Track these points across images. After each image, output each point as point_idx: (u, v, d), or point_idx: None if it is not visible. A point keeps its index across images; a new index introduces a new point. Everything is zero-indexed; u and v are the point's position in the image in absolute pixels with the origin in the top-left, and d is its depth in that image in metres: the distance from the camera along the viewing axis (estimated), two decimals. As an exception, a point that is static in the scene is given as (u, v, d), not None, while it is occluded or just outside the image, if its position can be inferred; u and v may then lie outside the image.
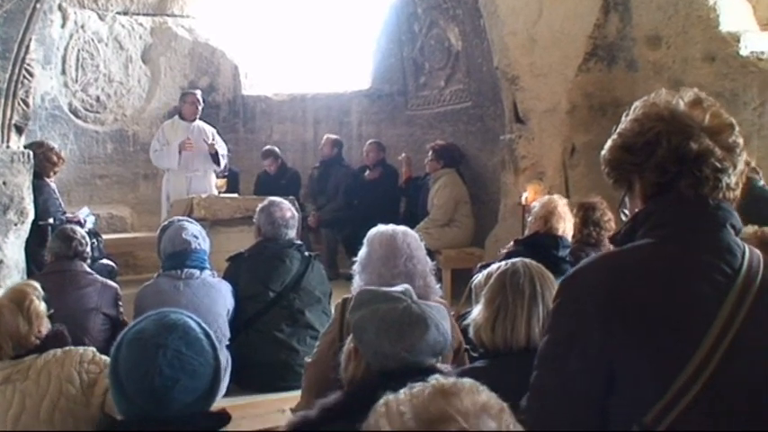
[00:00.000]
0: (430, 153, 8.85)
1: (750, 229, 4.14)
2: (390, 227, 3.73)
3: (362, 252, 3.67)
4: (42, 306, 3.31)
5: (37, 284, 3.51)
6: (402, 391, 1.36)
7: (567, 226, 5.22)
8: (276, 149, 10.25)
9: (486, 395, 1.32)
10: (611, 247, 5.37)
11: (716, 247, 1.81)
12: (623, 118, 1.97)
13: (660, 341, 1.73)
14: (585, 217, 5.40)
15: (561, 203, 5.22)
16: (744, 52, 6.13)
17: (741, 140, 1.88)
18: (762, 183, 5.11)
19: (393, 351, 2.27)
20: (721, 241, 1.82)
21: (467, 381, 1.36)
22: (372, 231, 3.73)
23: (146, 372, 2.03)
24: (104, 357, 3.30)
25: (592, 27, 7.40)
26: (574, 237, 5.38)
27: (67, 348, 3.28)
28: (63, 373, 3.15)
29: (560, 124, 7.46)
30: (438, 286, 3.67)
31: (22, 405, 3.07)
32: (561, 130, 7.46)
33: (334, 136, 10.35)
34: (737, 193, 1.88)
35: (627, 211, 2.00)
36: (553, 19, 7.38)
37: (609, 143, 1.97)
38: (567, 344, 1.82)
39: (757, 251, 1.85)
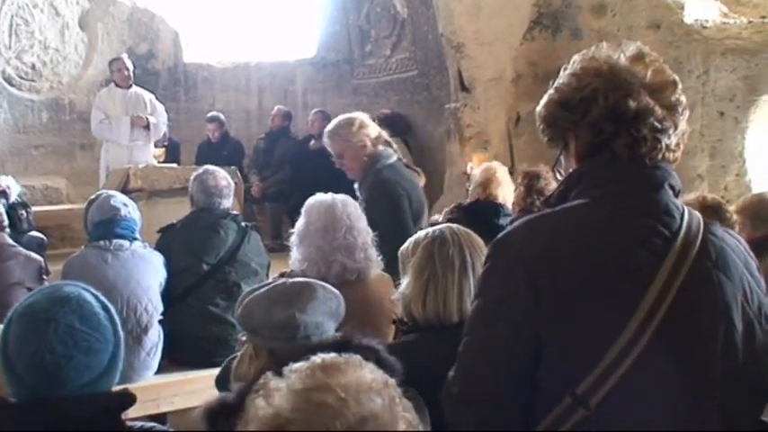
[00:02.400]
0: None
1: (692, 194, 4.11)
2: (329, 196, 3.59)
3: (300, 223, 3.53)
4: None
5: None
6: (287, 368, 1.27)
7: (506, 192, 5.16)
8: (221, 116, 10.05)
9: (370, 371, 1.25)
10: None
11: (653, 208, 1.71)
12: (561, 72, 1.85)
13: (593, 308, 1.64)
14: (530, 185, 5.35)
15: (501, 170, 5.18)
16: (688, 20, 6.10)
17: (684, 99, 1.78)
18: None
19: (287, 316, 2.19)
20: (659, 203, 1.72)
21: (352, 356, 1.29)
22: (310, 201, 3.59)
23: (36, 349, 1.87)
24: None
25: (537, -5, 7.33)
26: (518, 205, 5.34)
27: None
28: None
29: (505, 93, 7.40)
30: (379, 258, 3.54)
31: None
32: (506, 99, 7.41)
33: (285, 108, 10.20)
34: (678, 154, 1.78)
35: (562, 171, 1.89)
36: (499, -15, 7.29)
37: (545, 98, 1.86)
38: (495, 310, 1.72)
39: (697, 213, 1.76)
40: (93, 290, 2.06)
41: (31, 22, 9.82)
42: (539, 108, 1.87)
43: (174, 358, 4.59)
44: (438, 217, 4.88)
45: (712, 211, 3.63)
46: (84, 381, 1.91)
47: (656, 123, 1.72)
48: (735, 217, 4.06)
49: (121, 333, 2.03)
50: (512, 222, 5.06)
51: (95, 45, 10.31)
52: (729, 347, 1.66)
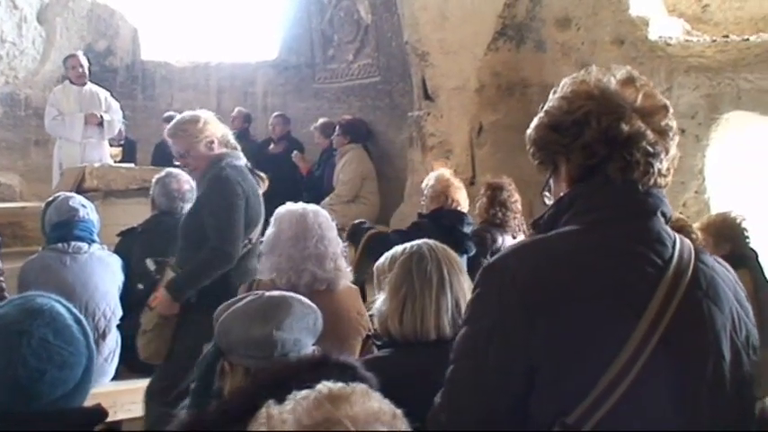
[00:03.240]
0: (337, 128, 8.69)
1: (698, 223, 4.18)
2: (300, 205, 3.59)
3: (270, 232, 3.52)
4: None
5: None
6: (288, 397, 1.22)
7: (463, 195, 5.18)
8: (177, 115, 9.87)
9: (377, 401, 1.23)
10: (519, 229, 5.37)
11: (645, 235, 1.71)
12: (551, 95, 1.83)
13: (586, 336, 1.62)
14: (493, 197, 5.37)
15: (451, 176, 5.22)
16: (652, 37, 6.17)
17: (674, 124, 1.78)
18: None
19: (264, 334, 2.14)
20: (651, 230, 1.72)
21: (358, 386, 1.26)
22: (281, 210, 3.58)
23: (8, 362, 1.80)
24: None
25: (502, 6, 7.38)
26: (480, 216, 5.35)
27: None
28: None
29: (468, 103, 7.41)
30: (348, 269, 3.55)
31: None
32: (469, 109, 7.42)
33: (245, 110, 10.11)
34: (669, 179, 1.78)
35: (549, 194, 1.88)
36: (464, -5, 7.30)
37: (535, 121, 1.84)
38: (486, 337, 1.69)
39: (688, 241, 1.76)
40: (64, 301, 2.00)
41: (-12, 14, 9.60)
42: (529, 131, 1.85)
43: (132, 365, 4.51)
44: None
45: (677, 230, 3.66)
46: (57, 395, 1.85)
47: (649, 147, 1.72)
48: (699, 235, 4.11)
49: (93, 346, 1.97)
50: (476, 234, 5.08)
51: (53, 40, 10.09)
52: (718, 377, 1.66)
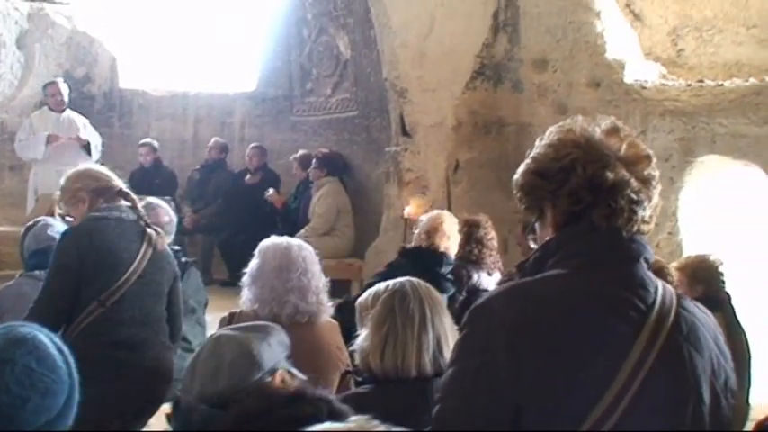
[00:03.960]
0: (314, 161, 8.74)
1: (675, 263, 4.23)
2: (285, 239, 3.67)
3: (253, 263, 3.54)
4: None
5: None
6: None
7: (450, 244, 5.20)
8: (154, 143, 9.91)
9: None
10: (495, 266, 5.41)
11: (629, 281, 1.75)
12: (537, 142, 1.89)
13: (571, 378, 1.66)
14: (469, 234, 5.43)
15: (449, 221, 5.21)
16: (628, 80, 6.29)
17: (657, 173, 1.83)
18: None
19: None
20: (634, 276, 1.76)
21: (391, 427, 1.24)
22: (265, 242, 3.61)
23: None
24: None
25: (480, 46, 7.50)
26: (456, 253, 5.38)
27: None
28: None
29: (445, 140, 7.49)
30: (330, 304, 3.58)
31: None
32: (446, 146, 7.51)
33: (222, 140, 10.13)
34: (651, 226, 1.83)
35: (535, 238, 1.92)
36: (444, 34, 7.42)
37: (522, 167, 1.89)
38: (473, 377, 1.72)
39: (669, 287, 1.81)
40: (46, 331, 2.01)
41: (-33, 38, 9.58)
42: (516, 177, 1.90)
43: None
44: None
45: (654, 271, 3.73)
46: (40, 423, 1.84)
47: (633, 195, 1.77)
48: (675, 276, 4.18)
49: (76, 375, 1.98)
50: (452, 271, 5.12)
51: (32, 66, 10.08)
52: (697, 420, 1.70)
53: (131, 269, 3.73)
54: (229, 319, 3.49)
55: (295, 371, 2.34)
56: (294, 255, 3.48)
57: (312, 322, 3.45)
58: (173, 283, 4.04)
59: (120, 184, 4.03)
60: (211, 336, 2.33)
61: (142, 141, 9.93)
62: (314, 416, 2.03)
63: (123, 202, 3.93)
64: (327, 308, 3.54)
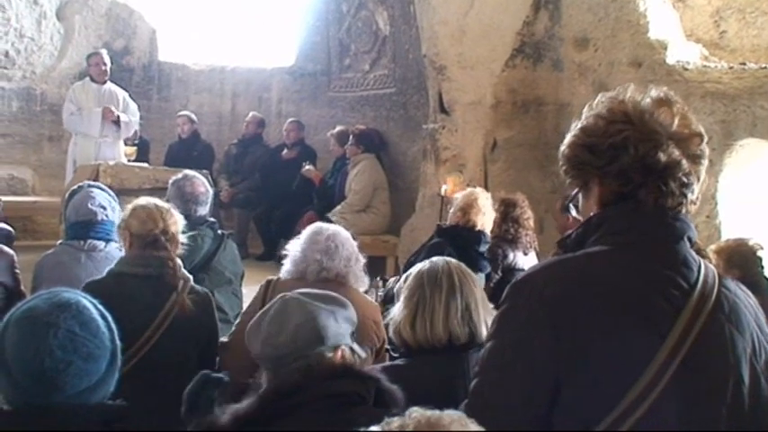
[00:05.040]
0: (351, 137, 8.73)
1: (714, 246, 4.18)
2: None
3: (292, 244, 3.73)
4: None
5: None
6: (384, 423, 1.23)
7: (485, 220, 5.20)
8: (192, 115, 10.01)
9: (474, 427, 1.22)
10: (531, 246, 5.38)
11: (672, 259, 1.73)
12: (585, 111, 1.84)
13: (611, 354, 1.64)
14: (505, 213, 5.40)
15: (483, 197, 5.22)
16: (670, 60, 6.18)
17: (707, 150, 1.80)
18: None
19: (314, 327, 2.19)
20: (678, 254, 1.74)
21: (454, 413, 1.24)
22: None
23: (35, 353, 1.84)
24: None
25: (521, 23, 7.40)
26: (492, 232, 5.36)
27: None
28: None
29: (483, 118, 7.43)
30: (366, 279, 3.75)
31: None
32: (484, 124, 7.45)
33: (259, 115, 10.19)
34: (697, 205, 1.80)
35: (575, 207, 1.90)
36: (484, 11, 7.34)
37: (569, 139, 1.84)
38: (512, 351, 1.72)
39: (712, 267, 1.78)
40: (90, 297, 2.04)
41: (8, 9, 9.65)
42: (562, 147, 1.86)
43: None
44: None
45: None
46: (81, 387, 1.88)
47: (684, 178, 1.74)
48: (712, 258, 4.13)
49: (118, 342, 2.01)
50: (488, 249, 5.11)
51: (71, 37, 10.15)
52: (736, 401, 1.68)
53: (143, 338, 3.26)
54: (266, 287, 3.65)
55: (357, 348, 2.35)
56: (324, 228, 3.71)
57: (341, 283, 3.55)
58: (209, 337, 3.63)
59: (174, 226, 3.65)
60: (282, 295, 2.31)
61: (180, 113, 10.01)
62: (357, 393, 2.04)
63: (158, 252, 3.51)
64: (361, 277, 3.69)
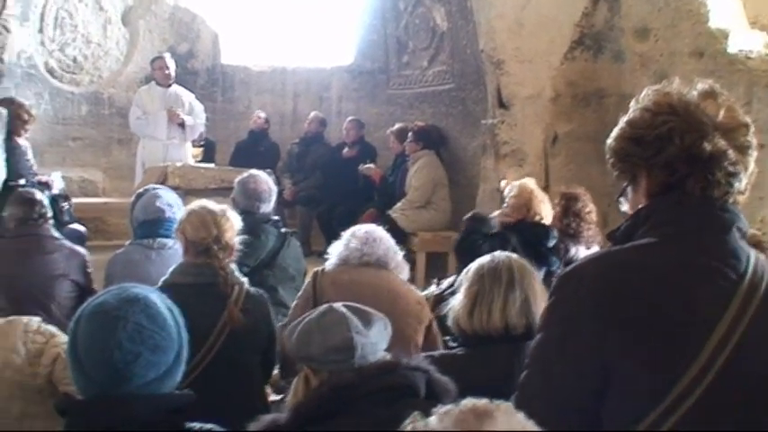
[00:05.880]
0: (410, 134, 8.77)
1: None
2: None
3: (334, 246, 3.94)
4: None
5: None
6: (432, 411, 1.26)
7: (546, 208, 5.22)
8: (267, 117, 10.33)
9: (521, 420, 1.24)
10: (593, 240, 5.34)
11: (721, 250, 1.73)
12: (632, 104, 1.87)
13: (659, 347, 1.66)
14: (567, 207, 5.37)
15: (533, 185, 5.26)
16: (732, 50, 6.08)
17: (755, 141, 1.80)
18: None
19: (344, 338, 2.21)
20: (727, 245, 1.74)
21: (503, 404, 1.26)
22: None
23: (105, 345, 1.93)
24: (50, 328, 3.24)
25: (580, 15, 7.33)
26: (553, 226, 5.35)
27: (11, 318, 3.18)
28: (7, 344, 3.06)
29: (543, 112, 7.40)
30: (406, 267, 3.95)
31: None
32: (544, 118, 7.41)
33: (321, 114, 10.32)
34: (746, 195, 1.80)
35: (625, 201, 1.91)
36: (542, 4, 7.30)
37: (616, 132, 1.87)
38: (560, 344, 1.74)
39: (763, 256, 1.78)
40: (158, 292, 2.12)
41: (75, 15, 9.94)
42: (609, 141, 1.89)
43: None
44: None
45: (752, 246, 3.65)
46: (149, 378, 1.96)
47: (730, 167, 1.75)
48: (775, 250, 4.07)
49: (185, 334, 2.09)
50: (556, 244, 5.10)
51: (136, 42, 10.41)
52: None
53: (204, 348, 3.23)
54: (313, 278, 3.83)
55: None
56: (363, 226, 3.98)
57: (382, 266, 3.75)
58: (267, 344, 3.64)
59: (229, 232, 3.61)
60: (329, 306, 2.37)
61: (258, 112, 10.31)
62: (408, 386, 2.09)
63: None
64: (401, 263, 3.88)
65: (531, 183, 5.44)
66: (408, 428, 1.26)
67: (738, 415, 1.65)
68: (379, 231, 3.87)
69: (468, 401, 1.26)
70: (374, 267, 3.72)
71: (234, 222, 3.68)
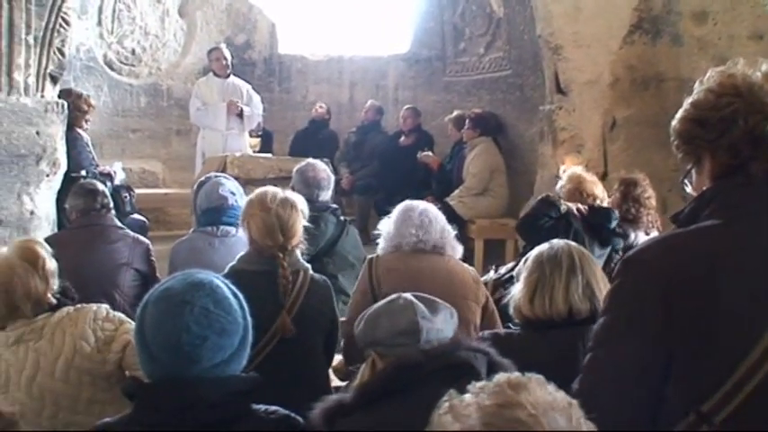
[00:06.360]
0: (467, 121, 8.75)
1: None
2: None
3: (384, 222, 3.91)
4: (54, 263, 3.24)
5: (42, 241, 3.47)
6: (467, 388, 1.29)
7: (599, 188, 5.20)
8: (328, 108, 10.41)
9: (552, 390, 1.27)
10: (653, 226, 5.28)
11: None
12: (696, 85, 1.86)
13: (723, 328, 1.66)
14: (626, 192, 5.32)
15: (582, 171, 5.38)
16: (792, 32, 5.97)
17: None
18: None
19: (410, 322, 2.26)
20: None
21: (534, 376, 1.29)
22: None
23: (173, 329, 1.98)
24: (119, 314, 3.29)
25: (638, -1, 7.25)
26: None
27: (80, 306, 3.24)
28: (77, 331, 3.12)
29: (601, 97, 7.32)
30: (460, 248, 3.88)
31: (37, 365, 3.03)
32: (602, 103, 7.33)
33: (377, 103, 10.34)
34: None
35: (689, 183, 1.91)
36: (599, -12, 7.22)
37: (680, 114, 1.87)
38: (625, 326, 1.76)
39: None
40: (222, 278, 2.18)
41: (133, 8, 10.10)
42: (674, 123, 1.89)
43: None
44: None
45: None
46: (216, 361, 2.01)
47: None
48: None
49: (249, 319, 2.14)
50: (618, 226, 5.07)
51: (194, 33, 10.56)
52: None
53: (270, 332, 3.30)
54: (368, 265, 3.79)
55: None
56: (415, 205, 3.84)
57: (439, 252, 3.73)
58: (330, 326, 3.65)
59: (295, 237, 3.59)
60: (398, 296, 2.39)
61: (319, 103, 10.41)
62: (470, 364, 2.12)
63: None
64: (456, 248, 3.84)
65: (576, 169, 5.46)
66: (446, 405, 1.29)
67: None
68: (432, 211, 3.82)
69: (501, 375, 1.29)
70: (429, 254, 3.72)
71: (300, 212, 3.67)
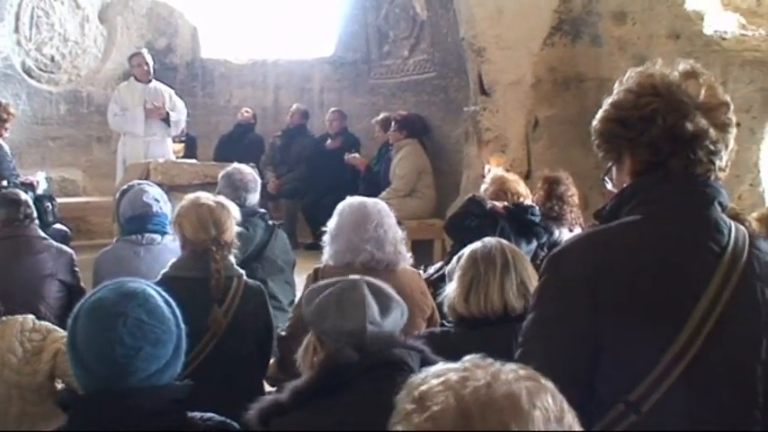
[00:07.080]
0: (393, 123, 8.80)
1: (756, 213, 4.19)
2: (359, 197, 3.82)
3: (332, 222, 3.71)
4: None
5: None
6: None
7: (522, 186, 5.29)
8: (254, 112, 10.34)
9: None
10: (576, 223, 5.41)
11: (703, 225, 1.80)
12: (616, 86, 1.92)
13: (647, 319, 1.72)
14: (550, 190, 5.43)
15: (504, 172, 5.53)
16: (708, 31, 6.15)
17: (734, 119, 1.85)
18: None
19: (359, 327, 2.23)
20: (709, 219, 1.81)
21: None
22: (343, 202, 3.78)
23: (106, 342, 1.95)
24: (45, 324, 3.25)
25: (558, 1, 7.39)
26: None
27: (5, 318, 3.18)
28: (4, 344, 3.07)
29: (524, 98, 7.46)
30: (409, 255, 3.73)
31: None
32: (525, 104, 7.47)
33: (303, 106, 10.29)
34: (726, 172, 1.86)
35: (610, 180, 1.96)
36: (521, -9, 7.35)
37: (601, 114, 1.92)
38: (553, 321, 1.80)
39: (743, 228, 1.84)
40: (154, 285, 2.15)
41: (52, 14, 9.87)
42: (594, 123, 1.94)
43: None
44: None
45: (731, 218, 3.71)
46: (151, 370, 2.00)
47: (711, 146, 1.80)
48: (753, 224, 4.13)
49: (182, 326, 2.12)
50: (541, 221, 5.17)
51: (114, 39, 10.35)
52: None
53: (205, 339, 3.25)
54: (314, 276, 3.63)
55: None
56: (369, 209, 3.64)
57: (391, 270, 3.56)
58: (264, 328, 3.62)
59: (228, 231, 3.56)
60: (353, 280, 2.37)
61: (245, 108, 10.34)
62: (405, 362, 2.14)
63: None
64: (406, 257, 3.69)
65: (497, 171, 5.61)
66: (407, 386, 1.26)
67: (724, 381, 1.72)
68: (386, 220, 3.63)
69: (468, 359, 1.29)
70: (382, 272, 3.39)
71: (233, 215, 3.64)
